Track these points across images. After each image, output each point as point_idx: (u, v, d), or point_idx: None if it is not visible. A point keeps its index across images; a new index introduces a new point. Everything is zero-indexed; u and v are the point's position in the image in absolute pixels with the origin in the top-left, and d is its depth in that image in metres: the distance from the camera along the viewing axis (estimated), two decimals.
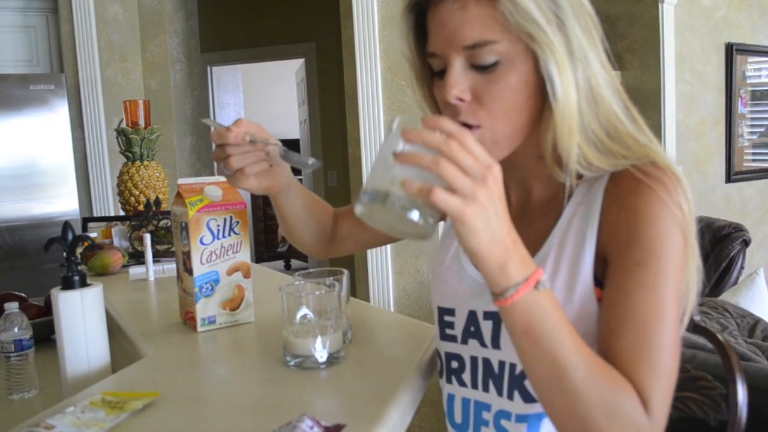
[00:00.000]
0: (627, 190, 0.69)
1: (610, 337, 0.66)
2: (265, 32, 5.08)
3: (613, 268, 0.68)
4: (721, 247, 2.61)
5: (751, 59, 3.47)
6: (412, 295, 2.61)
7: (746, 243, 2.64)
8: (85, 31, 2.93)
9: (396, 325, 1.10)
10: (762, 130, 3.62)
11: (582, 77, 0.69)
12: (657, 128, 2.75)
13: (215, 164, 0.88)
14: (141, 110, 1.94)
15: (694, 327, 1.07)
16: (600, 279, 0.70)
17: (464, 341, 0.82)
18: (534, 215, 0.79)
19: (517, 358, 0.73)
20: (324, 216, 1.04)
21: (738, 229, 2.65)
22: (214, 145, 0.86)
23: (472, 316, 0.81)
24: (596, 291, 0.70)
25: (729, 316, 1.99)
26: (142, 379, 0.84)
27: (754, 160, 3.58)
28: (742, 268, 2.62)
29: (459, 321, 0.83)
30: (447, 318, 0.84)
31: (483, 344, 0.80)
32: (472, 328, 0.81)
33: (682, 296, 0.67)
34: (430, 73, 0.76)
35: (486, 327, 0.79)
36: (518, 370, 0.76)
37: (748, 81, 3.47)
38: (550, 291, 0.63)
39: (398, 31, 0.78)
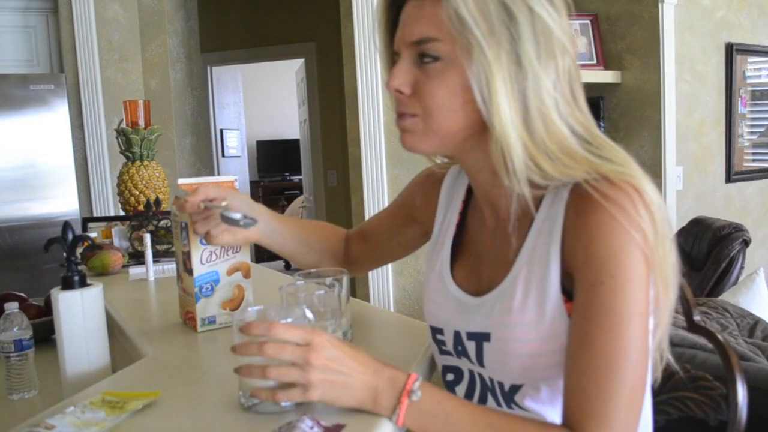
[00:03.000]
0: (583, 210, 0.68)
1: (568, 361, 0.68)
2: (265, 32, 5.08)
3: (576, 287, 0.69)
4: (721, 247, 2.60)
5: (751, 59, 3.46)
6: (412, 295, 2.61)
7: (746, 243, 2.64)
8: (85, 31, 2.93)
9: (396, 325, 1.10)
10: (762, 130, 3.61)
11: (529, 92, 0.68)
12: (657, 128, 2.75)
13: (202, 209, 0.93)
14: (141, 110, 1.93)
15: (694, 327, 1.07)
16: (571, 293, 0.71)
17: (458, 357, 0.84)
18: (505, 232, 0.79)
19: (503, 376, 0.77)
20: (332, 242, 1.07)
21: (738, 229, 2.65)
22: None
23: (457, 336, 0.82)
24: (568, 306, 0.71)
25: (729, 316, 1.99)
26: (142, 379, 0.84)
27: (754, 160, 3.57)
28: (742, 268, 2.62)
29: (448, 340, 0.84)
30: (438, 336, 0.86)
31: (471, 362, 0.82)
32: (460, 347, 0.82)
33: (645, 309, 0.66)
34: None
35: (470, 346, 0.80)
36: (506, 387, 0.77)
37: (748, 81, 3.46)
38: (427, 390, 0.66)
39: (375, 27, 0.82)
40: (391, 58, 0.79)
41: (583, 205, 0.68)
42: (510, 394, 0.77)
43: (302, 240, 1.03)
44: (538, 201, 0.74)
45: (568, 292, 0.71)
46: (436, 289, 0.86)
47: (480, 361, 0.79)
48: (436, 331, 0.86)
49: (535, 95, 0.69)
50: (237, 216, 0.90)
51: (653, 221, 0.67)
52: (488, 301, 0.77)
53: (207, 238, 0.93)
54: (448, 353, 0.85)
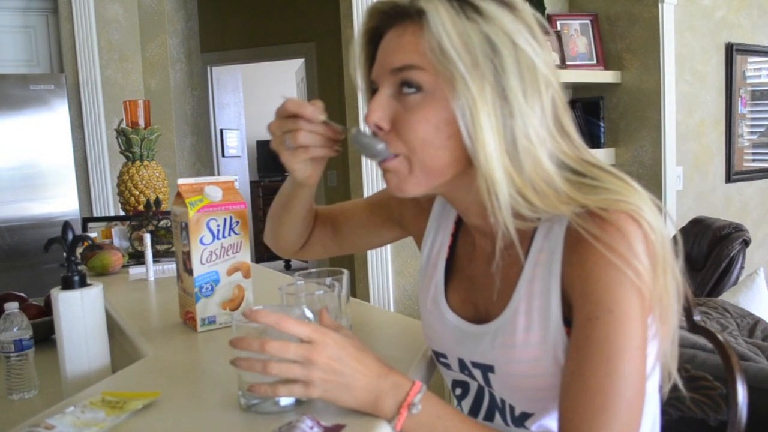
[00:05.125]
0: (579, 244, 0.66)
1: (562, 392, 0.67)
2: (265, 32, 5.07)
3: (574, 319, 0.68)
4: (721, 247, 2.60)
5: (751, 59, 3.46)
6: (412, 295, 2.61)
7: (746, 243, 2.64)
8: (85, 31, 2.93)
9: (396, 325, 1.10)
10: (762, 130, 3.61)
11: (516, 127, 0.66)
12: (657, 128, 2.75)
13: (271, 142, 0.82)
14: (141, 110, 1.94)
15: (694, 327, 1.07)
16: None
17: (466, 376, 0.83)
18: (501, 262, 0.76)
19: (513, 401, 0.76)
20: (313, 219, 1.03)
21: (738, 229, 2.65)
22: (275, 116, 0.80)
23: (462, 363, 0.82)
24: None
25: (729, 316, 1.99)
26: (142, 379, 0.84)
27: (754, 160, 3.57)
28: (742, 268, 2.62)
29: (453, 365, 0.84)
30: (443, 360, 0.85)
31: (479, 384, 0.81)
32: (466, 372, 0.82)
33: (642, 342, 0.65)
34: None
35: (477, 373, 0.80)
36: (517, 412, 0.77)
37: (748, 81, 3.46)
38: (430, 399, 0.66)
39: (353, 61, 0.77)
40: (371, 92, 0.76)
41: (580, 239, 0.66)
42: (521, 420, 0.76)
43: (310, 207, 0.97)
44: (530, 233, 0.72)
45: (571, 323, 0.69)
46: (432, 314, 0.85)
47: (488, 385, 0.79)
48: (439, 355, 0.85)
49: (520, 131, 0.66)
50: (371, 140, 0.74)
51: (652, 249, 0.65)
52: (489, 332, 0.76)
53: (295, 153, 0.80)
54: (454, 371, 0.85)
